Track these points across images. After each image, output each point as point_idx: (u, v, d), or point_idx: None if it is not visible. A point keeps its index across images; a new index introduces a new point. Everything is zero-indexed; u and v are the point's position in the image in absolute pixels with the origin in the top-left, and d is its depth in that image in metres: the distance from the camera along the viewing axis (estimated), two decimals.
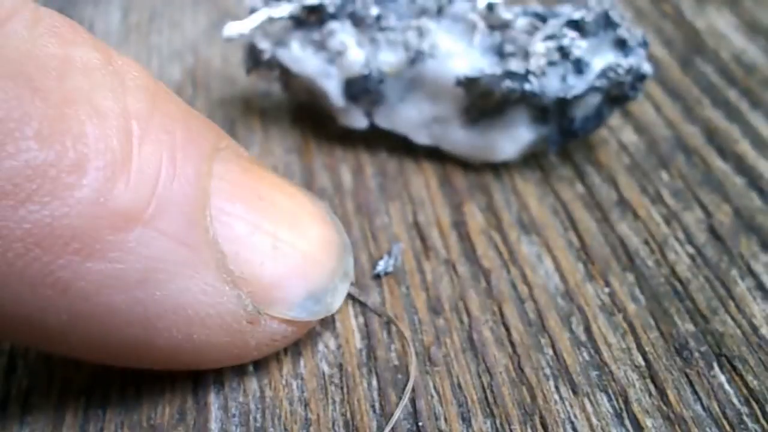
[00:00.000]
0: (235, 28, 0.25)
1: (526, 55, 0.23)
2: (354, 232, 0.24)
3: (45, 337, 0.16)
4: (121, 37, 0.33)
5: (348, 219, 0.24)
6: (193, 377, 0.19)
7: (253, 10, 0.26)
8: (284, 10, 0.25)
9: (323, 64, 0.25)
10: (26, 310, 0.15)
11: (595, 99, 0.24)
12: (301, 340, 0.20)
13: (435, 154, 0.26)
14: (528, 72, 0.23)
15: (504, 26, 0.24)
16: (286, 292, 0.18)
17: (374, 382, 0.19)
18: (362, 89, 0.25)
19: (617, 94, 0.24)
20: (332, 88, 0.25)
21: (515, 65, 0.23)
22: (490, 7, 0.24)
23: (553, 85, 0.23)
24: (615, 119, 0.28)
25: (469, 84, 0.24)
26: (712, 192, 0.25)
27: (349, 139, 0.27)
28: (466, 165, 0.26)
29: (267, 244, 0.18)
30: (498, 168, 0.26)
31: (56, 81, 0.15)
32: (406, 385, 0.19)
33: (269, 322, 0.18)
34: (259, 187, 0.18)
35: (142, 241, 0.16)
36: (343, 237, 0.20)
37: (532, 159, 0.26)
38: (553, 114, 0.24)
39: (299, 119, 0.28)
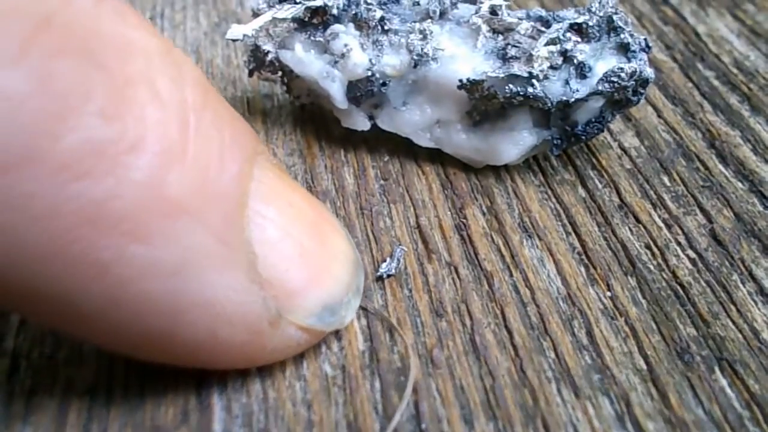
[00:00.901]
0: (238, 30, 0.25)
1: (529, 58, 0.23)
2: (356, 234, 0.24)
3: (74, 321, 0.16)
4: None
5: (350, 221, 0.24)
6: (197, 378, 0.19)
7: (256, 13, 0.26)
8: (288, 12, 0.25)
9: (326, 67, 0.25)
10: (62, 290, 0.15)
11: (597, 103, 0.24)
12: None
13: (437, 157, 0.26)
14: (531, 75, 0.23)
15: (507, 30, 0.24)
16: (306, 301, 0.18)
17: (377, 384, 0.20)
18: (365, 92, 0.25)
19: (619, 98, 0.24)
20: (335, 91, 0.25)
21: (518, 68, 0.23)
22: (494, 11, 0.24)
23: (555, 88, 0.23)
24: (616, 124, 0.28)
25: (471, 87, 0.24)
26: (713, 197, 0.25)
27: (351, 141, 0.27)
28: (468, 168, 0.26)
29: (293, 251, 0.18)
30: (500, 171, 0.26)
31: (119, 61, 0.15)
32: (406, 388, 0.19)
33: (288, 327, 0.18)
34: (290, 194, 0.19)
35: (185, 231, 0.16)
36: (357, 253, 0.20)
37: (533, 162, 0.26)
38: (556, 118, 0.24)
39: (301, 121, 0.28)
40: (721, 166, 0.26)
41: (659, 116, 0.28)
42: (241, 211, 0.17)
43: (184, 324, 0.17)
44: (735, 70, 0.30)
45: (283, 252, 0.18)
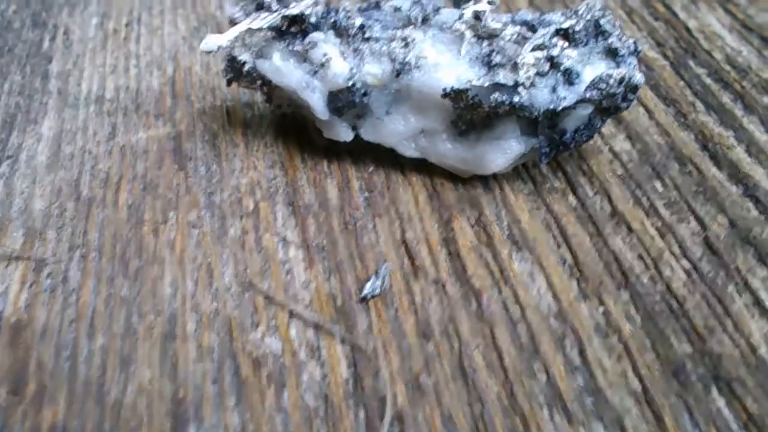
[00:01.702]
0: (213, 41, 0.24)
1: (514, 65, 0.23)
2: (340, 251, 0.23)
3: None
4: (97, 44, 0.32)
5: (334, 237, 0.23)
6: (172, 413, 0.19)
7: (233, 21, 0.25)
8: (265, 21, 0.24)
9: (306, 77, 0.24)
10: None
11: (586, 110, 0.23)
12: (285, 370, 0.20)
13: (423, 167, 0.25)
14: (517, 84, 0.22)
15: (492, 36, 0.23)
16: None
17: (361, 414, 0.19)
18: (347, 102, 0.24)
19: (608, 105, 0.23)
20: (315, 101, 0.24)
21: (504, 77, 0.23)
22: (478, 17, 0.23)
23: (542, 96, 0.23)
24: (607, 126, 0.27)
25: (456, 96, 0.23)
26: (707, 202, 0.24)
27: (334, 152, 0.26)
28: (455, 178, 0.25)
29: None
30: (488, 180, 0.25)
31: None
32: (390, 417, 0.19)
33: None
34: None
35: None
36: None
37: (522, 170, 0.25)
38: (543, 126, 0.23)
39: (283, 131, 0.27)
40: (714, 170, 0.25)
41: (651, 117, 0.27)
42: None
43: None
44: (727, 67, 0.29)
45: None
